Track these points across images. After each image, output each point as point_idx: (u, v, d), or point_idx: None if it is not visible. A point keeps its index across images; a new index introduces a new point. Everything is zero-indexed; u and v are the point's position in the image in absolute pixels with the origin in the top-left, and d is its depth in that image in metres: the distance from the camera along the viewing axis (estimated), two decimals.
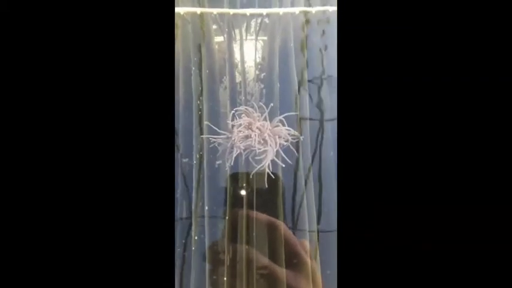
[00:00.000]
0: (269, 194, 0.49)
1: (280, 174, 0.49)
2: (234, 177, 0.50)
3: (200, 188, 0.50)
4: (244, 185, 0.49)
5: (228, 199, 0.48)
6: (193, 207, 0.50)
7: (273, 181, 0.48)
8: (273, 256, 0.47)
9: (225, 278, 0.46)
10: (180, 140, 0.52)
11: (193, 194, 0.50)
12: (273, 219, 0.47)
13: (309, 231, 0.48)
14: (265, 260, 0.47)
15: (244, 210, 0.48)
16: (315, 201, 0.50)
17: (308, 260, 0.46)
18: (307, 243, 0.47)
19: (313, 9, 0.52)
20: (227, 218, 0.48)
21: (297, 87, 0.53)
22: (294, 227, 0.48)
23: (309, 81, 0.55)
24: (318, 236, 0.48)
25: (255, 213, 0.48)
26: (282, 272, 0.46)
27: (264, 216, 0.48)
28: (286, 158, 0.48)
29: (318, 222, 0.49)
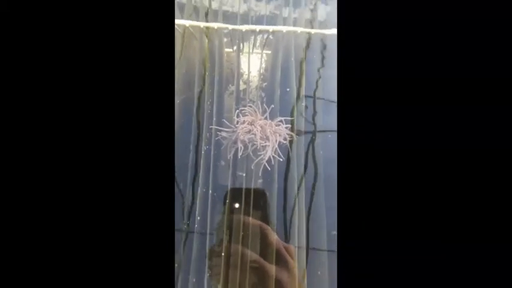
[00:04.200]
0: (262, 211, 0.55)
1: (274, 190, 0.56)
2: (233, 191, 0.56)
3: (202, 178, 0.56)
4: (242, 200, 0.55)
5: (226, 210, 0.54)
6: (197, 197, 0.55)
7: (264, 198, 0.55)
8: (262, 253, 0.52)
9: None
10: (191, 137, 0.58)
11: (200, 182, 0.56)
12: (260, 223, 0.53)
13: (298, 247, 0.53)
14: (256, 256, 0.52)
15: (242, 217, 0.54)
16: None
17: (290, 258, 0.51)
18: (292, 247, 0.53)
19: (313, 31, 0.61)
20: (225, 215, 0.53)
21: (295, 96, 0.61)
22: (287, 241, 0.54)
23: (306, 95, 0.63)
24: (307, 253, 0.54)
25: (251, 220, 0.54)
26: (270, 266, 0.51)
27: (255, 221, 0.54)
28: (281, 154, 0.55)
29: (307, 240, 0.54)
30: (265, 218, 0.54)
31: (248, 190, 0.54)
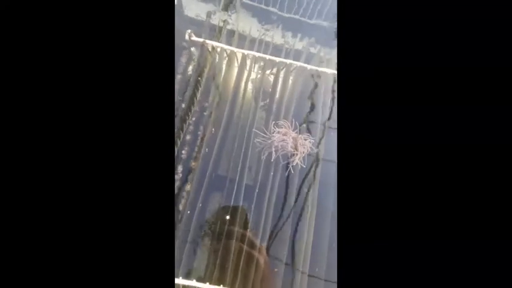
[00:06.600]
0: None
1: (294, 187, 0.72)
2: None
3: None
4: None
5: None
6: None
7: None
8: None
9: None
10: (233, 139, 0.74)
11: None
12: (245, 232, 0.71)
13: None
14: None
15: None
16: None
17: (260, 254, 0.69)
18: (263, 247, 0.70)
19: (319, 69, 0.81)
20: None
21: (319, 123, 0.78)
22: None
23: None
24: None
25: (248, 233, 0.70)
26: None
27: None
28: (303, 163, 0.72)
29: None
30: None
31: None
